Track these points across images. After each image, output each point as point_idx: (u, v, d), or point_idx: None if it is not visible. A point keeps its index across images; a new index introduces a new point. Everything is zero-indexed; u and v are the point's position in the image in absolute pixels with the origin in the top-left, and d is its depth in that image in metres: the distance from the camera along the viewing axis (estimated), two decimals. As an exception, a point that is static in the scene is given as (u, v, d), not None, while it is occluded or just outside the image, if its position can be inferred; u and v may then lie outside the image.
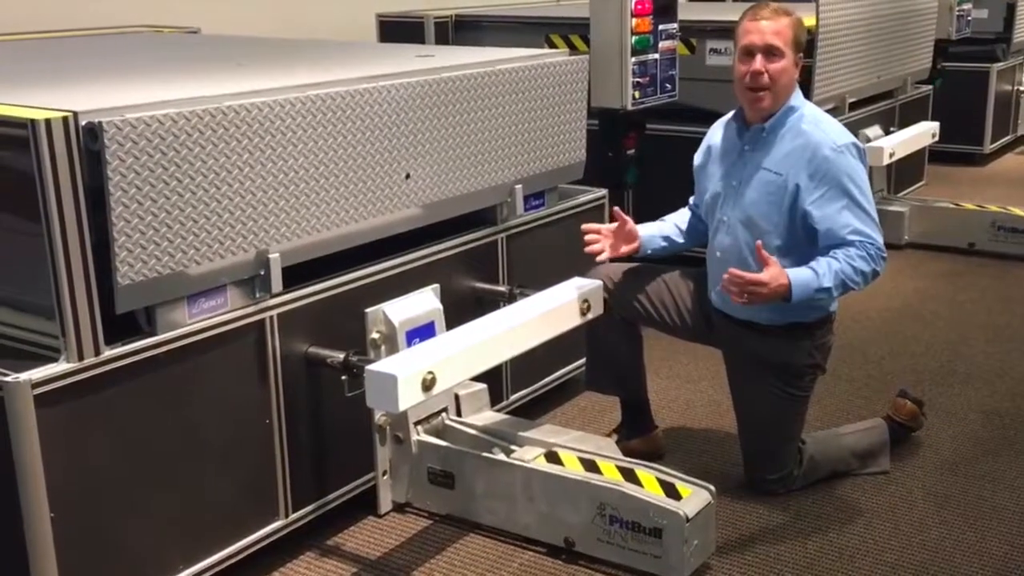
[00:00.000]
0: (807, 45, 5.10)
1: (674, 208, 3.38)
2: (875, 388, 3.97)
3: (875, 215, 2.97)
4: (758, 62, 2.93)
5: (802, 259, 2.94)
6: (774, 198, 2.96)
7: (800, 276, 2.85)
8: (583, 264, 3.43)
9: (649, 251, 3.22)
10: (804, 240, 2.96)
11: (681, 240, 3.26)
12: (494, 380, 3.38)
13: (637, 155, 4.21)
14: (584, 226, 3.18)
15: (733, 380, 3.20)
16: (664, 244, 3.25)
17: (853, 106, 5.57)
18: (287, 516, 2.85)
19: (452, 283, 3.26)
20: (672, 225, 3.28)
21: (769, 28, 2.93)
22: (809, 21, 5.04)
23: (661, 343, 3.44)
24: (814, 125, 2.96)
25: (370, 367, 2.59)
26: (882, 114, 5.93)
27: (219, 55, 3.88)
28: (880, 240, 2.94)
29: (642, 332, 3.34)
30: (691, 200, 3.34)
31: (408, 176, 3.05)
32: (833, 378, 3.80)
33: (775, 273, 2.81)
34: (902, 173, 6.29)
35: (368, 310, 2.92)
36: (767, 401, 3.09)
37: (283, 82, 2.79)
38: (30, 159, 2.21)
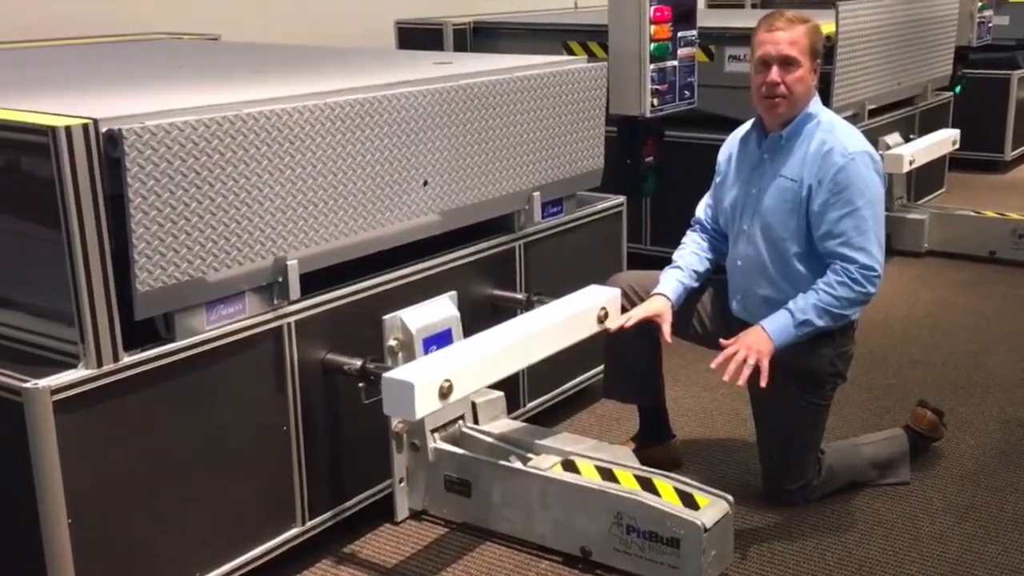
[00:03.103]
0: (827, 52, 5.11)
1: (692, 216, 3.35)
2: (895, 397, 3.94)
3: (880, 229, 2.91)
4: (774, 73, 2.92)
5: (821, 265, 2.93)
6: (790, 205, 2.95)
7: (776, 321, 2.89)
8: (601, 272, 3.42)
9: (677, 307, 3.13)
10: (806, 251, 2.96)
11: (697, 284, 3.20)
12: (511, 388, 3.37)
13: (657, 163, 4.20)
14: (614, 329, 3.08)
15: (753, 389, 3.18)
16: (686, 295, 3.17)
17: (873, 113, 5.55)
18: (304, 523, 2.84)
19: (469, 290, 3.25)
20: (690, 273, 3.17)
21: (784, 38, 2.92)
22: (829, 28, 5.03)
23: (679, 351, 3.42)
24: (829, 132, 2.95)
25: (387, 374, 2.59)
26: (902, 121, 5.91)
27: (238, 62, 3.89)
28: (874, 259, 2.88)
29: (661, 340, 3.32)
30: (699, 213, 3.31)
31: (426, 183, 3.05)
32: (852, 387, 3.77)
33: (747, 339, 2.86)
34: (922, 180, 6.26)
35: (385, 317, 2.92)
36: (787, 410, 3.07)
37: (302, 89, 2.79)
38: (50, 166, 2.22)
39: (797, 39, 2.92)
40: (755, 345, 2.85)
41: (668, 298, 3.09)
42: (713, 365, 2.89)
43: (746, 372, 2.82)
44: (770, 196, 2.99)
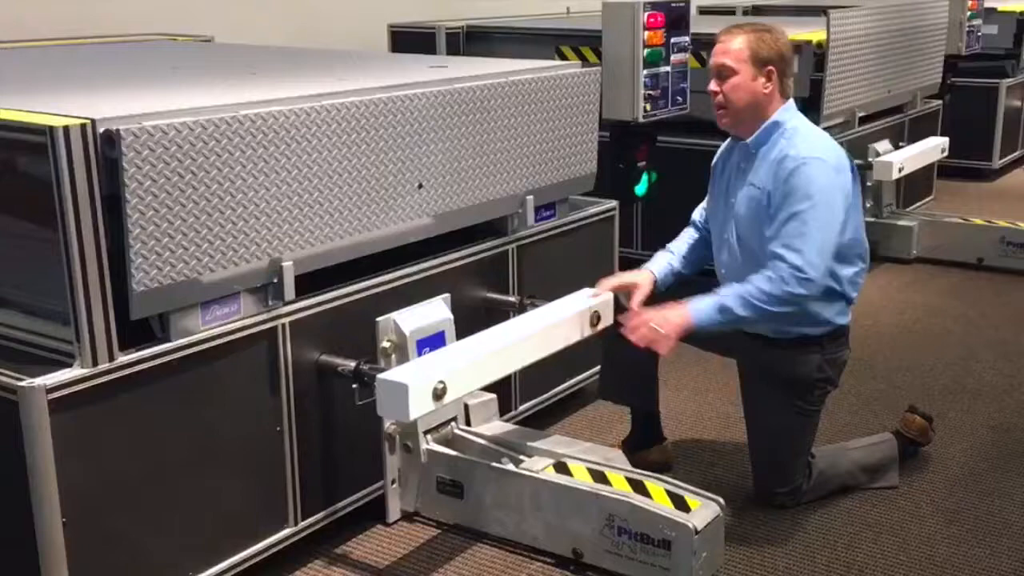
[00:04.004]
0: (817, 60, 5.14)
1: (683, 221, 3.37)
2: (884, 402, 3.96)
3: (826, 234, 2.85)
4: (712, 83, 2.99)
5: None
6: (757, 214, 2.97)
7: (702, 301, 2.90)
8: (593, 275, 3.43)
9: (663, 289, 3.18)
10: None
11: (688, 271, 3.25)
12: (503, 390, 3.38)
13: (649, 168, 4.23)
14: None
15: (745, 392, 3.21)
16: (673, 279, 3.22)
17: (863, 120, 5.58)
18: (296, 523, 2.85)
19: (463, 293, 3.27)
20: (680, 258, 3.24)
21: (719, 49, 2.99)
22: (820, 36, 5.07)
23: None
24: (790, 138, 2.95)
25: (381, 376, 2.61)
26: (892, 129, 5.95)
27: (233, 64, 3.90)
28: (806, 261, 2.83)
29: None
30: (695, 215, 3.34)
31: (420, 186, 3.06)
32: (841, 392, 3.79)
33: (664, 311, 2.89)
34: (911, 188, 6.30)
35: (379, 319, 2.93)
36: (777, 414, 3.09)
37: (298, 91, 2.81)
38: (48, 165, 2.23)
39: (731, 48, 2.95)
40: (669, 317, 2.87)
41: (653, 273, 3.14)
42: (624, 327, 2.93)
43: (649, 336, 2.85)
44: (743, 205, 3.01)
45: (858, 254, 3.05)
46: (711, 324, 2.89)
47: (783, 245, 2.87)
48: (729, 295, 2.88)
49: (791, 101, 3.03)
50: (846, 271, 3.01)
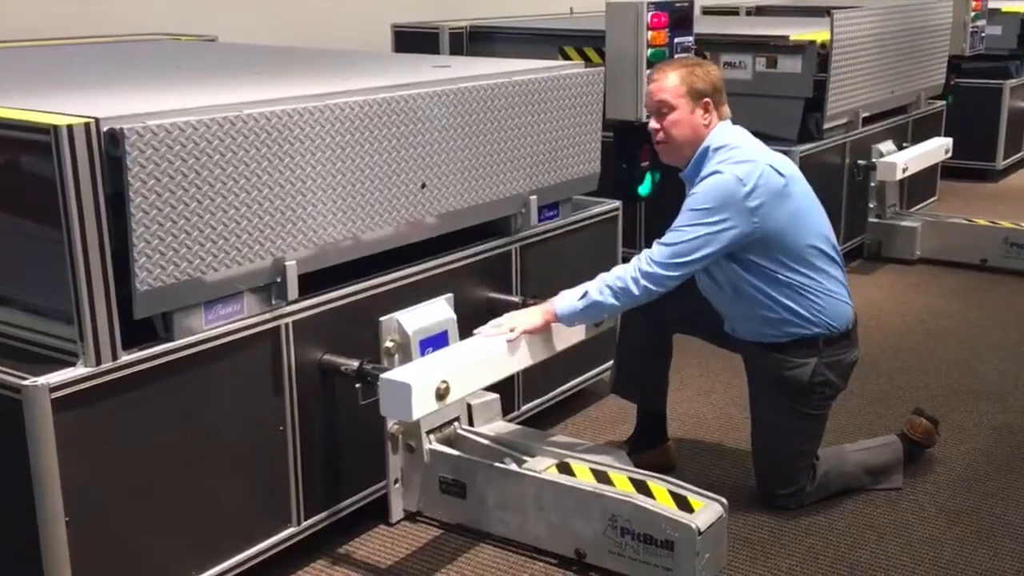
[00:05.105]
0: (821, 60, 5.13)
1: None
2: (887, 404, 3.96)
3: (698, 245, 2.84)
4: (652, 122, 3.03)
5: (763, 275, 2.94)
6: None
7: (570, 291, 2.93)
8: (596, 275, 3.43)
9: None
10: (736, 272, 2.96)
11: None
12: (506, 390, 3.38)
13: (652, 167, 4.23)
14: None
15: (749, 393, 3.21)
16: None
17: (867, 121, 5.58)
18: (299, 523, 2.85)
19: (466, 293, 3.27)
20: None
21: (654, 88, 3.02)
22: (823, 36, 5.07)
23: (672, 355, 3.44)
24: (712, 157, 2.95)
25: (384, 375, 2.61)
26: (895, 129, 5.94)
27: (237, 63, 3.90)
28: (662, 256, 2.85)
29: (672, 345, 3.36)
30: None
31: (424, 185, 3.06)
32: (844, 393, 3.77)
33: (519, 313, 2.96)
34: (915, 188, 6.29)
35: (382, 319, 2.93)
36: (779, 417, 3.09)
37: (301, 91, 2.81)
38: (52, 164, 2.23)
39: (667, 86, 2.98)
40: (519, 317, 2.91)
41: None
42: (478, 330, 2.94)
43: (510, 337, 2.85)
44: None
45: (810, 262, 2.98)
46: (578, 314, 2.90)
47: (657, 243, 2.90)
48: (592, 285, 2.91)
49: (725, 122, 3.03)
50: (799, 278, 2.97)
